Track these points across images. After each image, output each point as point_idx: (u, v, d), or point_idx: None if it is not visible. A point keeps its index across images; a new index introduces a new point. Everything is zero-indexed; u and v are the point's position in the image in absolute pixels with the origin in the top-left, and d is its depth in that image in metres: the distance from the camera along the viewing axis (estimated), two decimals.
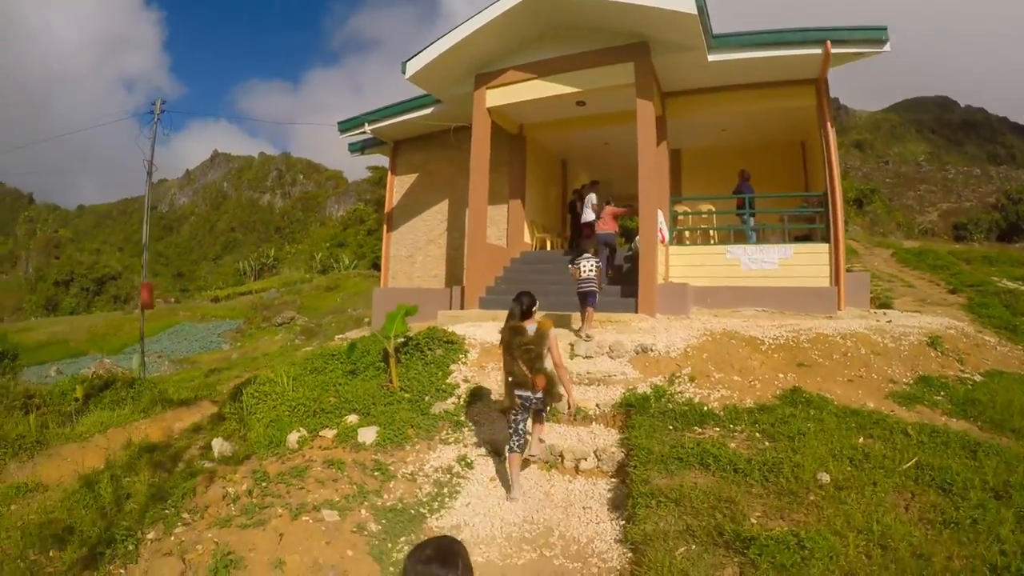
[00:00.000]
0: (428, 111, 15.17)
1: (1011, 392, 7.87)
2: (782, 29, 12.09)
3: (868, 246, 29.04)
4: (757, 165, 15.11)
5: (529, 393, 6.19)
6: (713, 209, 14.85)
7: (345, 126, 16.45)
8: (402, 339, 9.47)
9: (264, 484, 6.09)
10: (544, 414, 6.70)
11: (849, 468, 5.57)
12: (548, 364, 6.31)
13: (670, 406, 7.35)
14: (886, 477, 5.37)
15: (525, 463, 6.61)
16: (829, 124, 12.84)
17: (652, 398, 7.57)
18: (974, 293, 16.50)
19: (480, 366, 9.18)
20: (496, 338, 9.60)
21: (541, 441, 6.84)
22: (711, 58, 12.14)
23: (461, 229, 14.96)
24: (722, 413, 7.13)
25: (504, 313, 11.19)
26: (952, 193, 65.61)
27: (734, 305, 12.16)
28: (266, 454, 7.07)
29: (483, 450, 7.16)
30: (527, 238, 15.68)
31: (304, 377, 9.11)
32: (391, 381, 8.55)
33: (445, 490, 6.33)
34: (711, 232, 14.72)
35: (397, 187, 17.33)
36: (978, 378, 8.60)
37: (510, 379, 6.31)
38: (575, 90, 12.74)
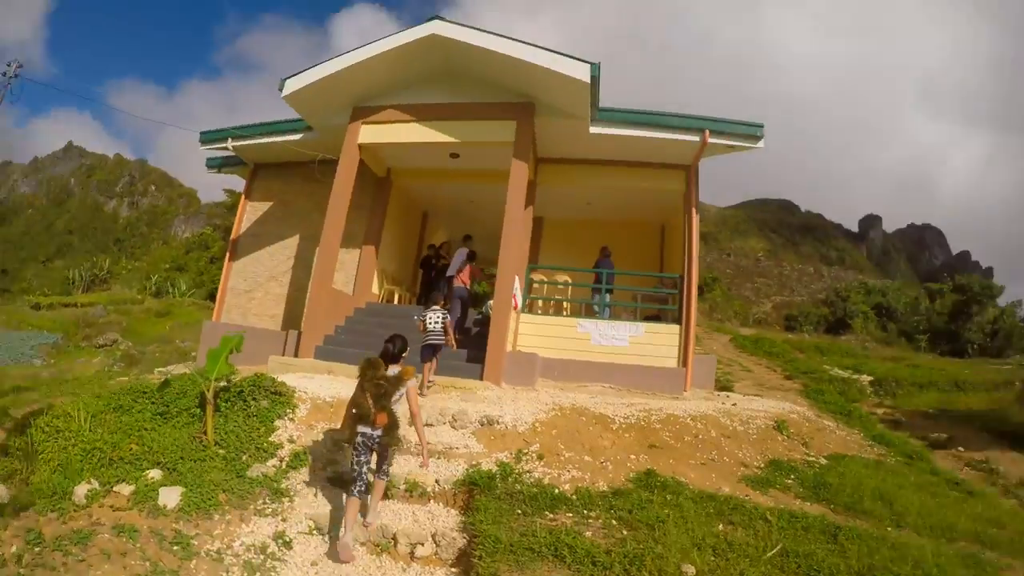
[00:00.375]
0: (297, 137, 14.24)
1: (859, 475, 8.19)
2: (665, 112, 12.40)
3: (708, 331, 30.37)
4: (616, 242, 15.20)
5: (369, 429, 5.97)
6: (569, 281, 14.73)
7: (208, 137, 15.18)
8: (224, 383, 8.42)
9: (37, 550, 5.00)
10: (386, 467, 6.30)
11: (713, 558, 5.30)
12: (400, 411, 6.18)
13: (518, 487, 6.79)
14: (752, 566, 5.15)
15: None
16: (694, 211, 13.14)
17: (498, 477, 6.98)
18: (809, 380, 17.67)
19: (309, 425, 8.23)
20: (329, 394, 8.81)
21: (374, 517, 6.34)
22: (593, 130, 12.24)
23: (308, 269, 13.97)
24: (575, 497, 6.66)
25: (340, 367, 10.49)
26: (786, 287, 70.64)
27: (582, 380, 11.92)
28: (46, 508, 5.87)
29: (305, 527, 6.28)
30: (375, 288, 14.89)
31: (106, 415, 7.80)
32: (205, 432, 7.44)
33: (257, 574, 5.46)
34: (564, 304, 14.54)
35: (248, 213, 16.11)
36: (824, 461, 8.85)
37: (354, 411, 6.10)
38: (452, 140, 12.39)
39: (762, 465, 8.27)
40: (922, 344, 33.06)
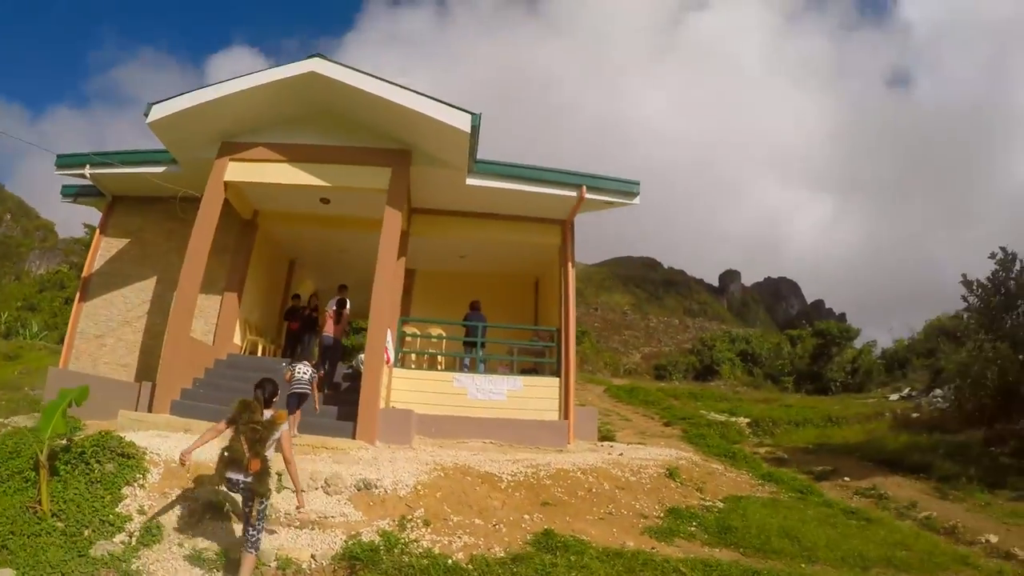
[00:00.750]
0: (160, 169, 13.00)
1: (760, 515, 8.30)
2: (543, 167, 12.45)
3: (582, 382, 30.56)
4: (490, 296, 15.08)
5: (240, 476, 5.73)
6: (443, 334, 14.32)
7: (64, 162, 13.63)
8: (64, 442, 7.50)
9: None
10: (253, 535, 5.77)
11: None
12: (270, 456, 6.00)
13: (406, 559, 6.17)
14: None
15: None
16: (570, 264, 13.28)
17: (383, 548, 6.32)
18: (688, 425, 17.99)
19: (163, 493, 7.25)
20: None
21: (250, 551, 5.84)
22: (470, 181, 12.07)
23: (165, 315, 12.56)
24: (471, 567, 6.14)
25: (199, 424, 9.64)
26: (653, 339, 72.98)
27: (460, 436, 11.45)
28: None
29: None
30: (237, 339, 13.86)
31: None
32: (40, 502, 6.37)
33: None
34: (439, 358, 14.07)
35: (103, 250, 14.57)
36: (721, 504, 8.90)
37: (226, 454, 5.89)
38: (323, 183, 11.83)
39: (662, 514, 8.17)
40: (788, 385, 34.79)
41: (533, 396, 12.19)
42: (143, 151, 13.40)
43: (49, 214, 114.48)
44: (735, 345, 46.57)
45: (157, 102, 11.35)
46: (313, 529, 6.87)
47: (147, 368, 12.90)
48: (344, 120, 11.94)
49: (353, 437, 10.16)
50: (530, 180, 12.32)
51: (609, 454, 10.89)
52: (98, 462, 7.21)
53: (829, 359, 35.84)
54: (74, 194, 15.25)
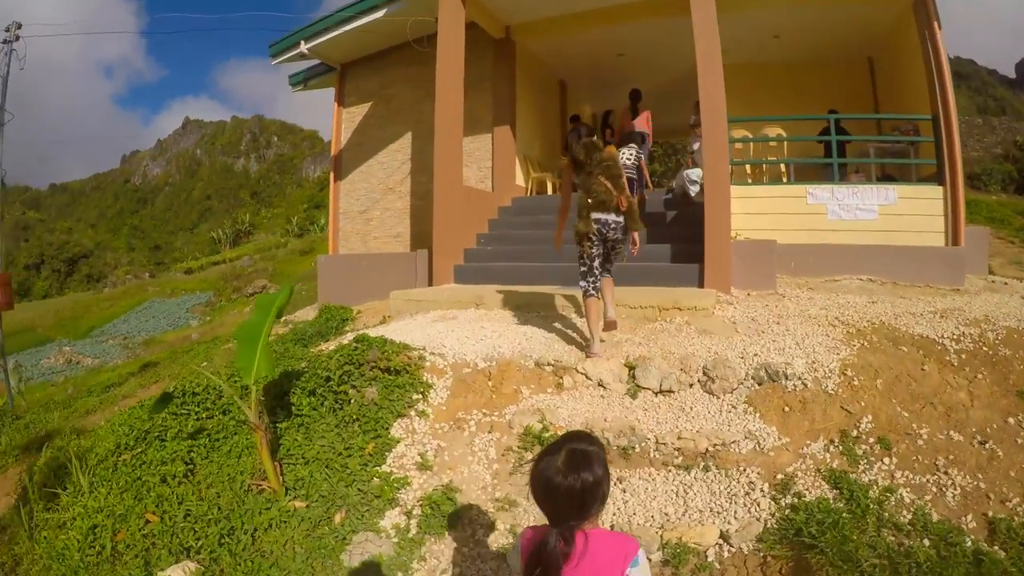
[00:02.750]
0: (380, 14, 10.74)
1: None
2: None
3: None
4: (812, 87, 11.86)
5: (611, 216, 5.42)
6: (783, 134, 10.61)
7: (278, 48, 12.06)
8: (320, 347, 5.39)
9: None
10: (621, 250, 5.66)
11: None
12: None
13: (890, 538, 3.26)
14: None
15: (607, 326, 5.62)
16: (936, 25, 8.95)
17: (845, 513, 3.41)
18: None
19: (454, 421, 4.68)
20: (481, 351, 5.45)
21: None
22: None
23: (429, 171, 10.58)
24: (1000, 550, 3.16)
25: (492, 293, 7.63)
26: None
27: (827, 272, 8.30)
28: None
29: None
30: (519, 180, 11.78)
31: (121, 454, 4.59)
32: (266, 476, 3.99)
33: None
34: (781, 167, 10.61)
35: (346, 123, 13.19)
36: None
37: (589, 200, 5.46)
38: None
39: None
40: None
41: (910, 212, 8.59)
42: (355, 3, 11.18)
43: (309, 125, 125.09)
44: None
45: None
46: (707, 470, 3.96)
47: (421, 234, 11.47)
48: None
49: (700, 285, 7.43)
50: None
51: None
52: (354, 387, 4.80)
53: None
54: (303, 80, 14.02)
